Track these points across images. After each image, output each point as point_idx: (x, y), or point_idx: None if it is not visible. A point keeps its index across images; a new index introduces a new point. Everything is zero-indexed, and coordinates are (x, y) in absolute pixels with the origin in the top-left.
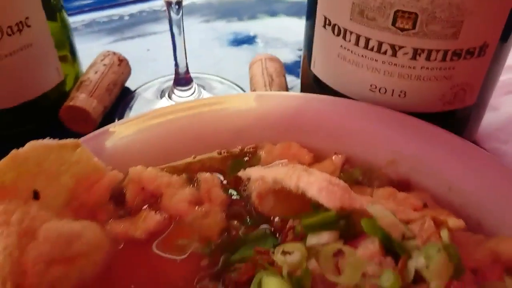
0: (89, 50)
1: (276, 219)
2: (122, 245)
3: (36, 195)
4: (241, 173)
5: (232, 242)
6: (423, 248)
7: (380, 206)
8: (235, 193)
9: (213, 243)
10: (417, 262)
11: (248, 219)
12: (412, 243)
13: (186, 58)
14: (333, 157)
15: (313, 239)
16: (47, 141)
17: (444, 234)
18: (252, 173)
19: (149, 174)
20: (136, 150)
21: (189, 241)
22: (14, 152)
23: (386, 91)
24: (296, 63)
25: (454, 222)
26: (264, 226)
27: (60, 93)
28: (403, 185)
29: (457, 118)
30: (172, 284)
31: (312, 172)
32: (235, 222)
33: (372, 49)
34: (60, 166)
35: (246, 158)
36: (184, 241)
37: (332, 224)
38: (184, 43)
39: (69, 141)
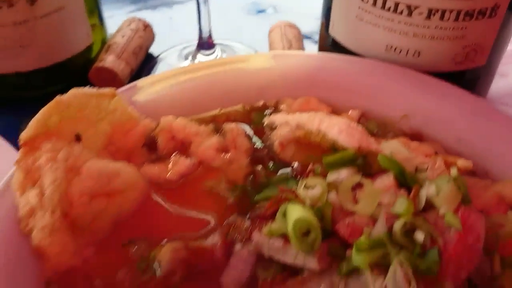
0: (114, 18)
1: (296, 164)
2: (155, 186)
3: (78, 138)
4: (266, 120)
5: (257, 184)
6: (434, 180)
7: (395, 142)
8: (258, 142)
9: (238, 185)
10: (428, 190)
11: (271, 165)
12: (424, 175)
13: (210, 23)
14: (350, 112)
15: (333, 176)
16: (88, 89)
17: (454, 170)
18: (277, 118)
19: (179, 124)
20: (165, 104)
21: (216, 183)
22: (58, 98)
23: (401, 51)
24: (313, 32)
25: (462, 162)
26: (285, 170)
27: (87, 57)
28: (416, 138)
29: (467, 79)
30: (202, 219)
31: (333, 117)
32: (259, 167)
33: (389, 10)
34: (99, 113)
35: (268, 111)
36: (211, 183)
37: (351, 162)
38: (209, 8)
39: (107, 90)
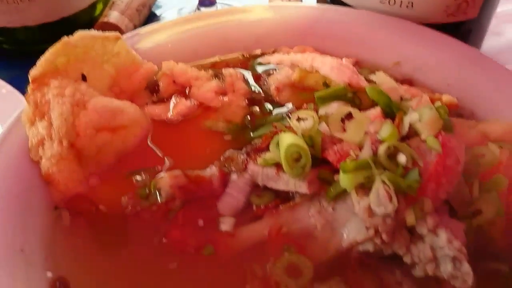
0: None
1: (291, 105)
2: (157, 125)
3: (84, 78)
4: (261, 59)
5: (253, 123)
6: (418, 108)
7: (381, 73)
8: (256, 87)
9: (236, 124)
10: (411, 117)
11: (267, 106)
12: (408, 104)
13: None
14: (343, 59)
15: (324, 109)
16: (93, 32)
17: (438, 103)
18: (272, 58)
19: (180, 68)
20: (166, 51)
21: (215, 123)
22: (65, 39)
23: (395, 2)
24: None
25: (447, 97)
26: (280, 110)
27: (92, 14)
28: (407, 84)
29: (460, 32)
30: (200, 154)
31: (326, 57)
32: (256, 108)
33: None
34: (104, 55)
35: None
36: (210, 123)
37: (341, 96)
38: None
39: (111, 33)
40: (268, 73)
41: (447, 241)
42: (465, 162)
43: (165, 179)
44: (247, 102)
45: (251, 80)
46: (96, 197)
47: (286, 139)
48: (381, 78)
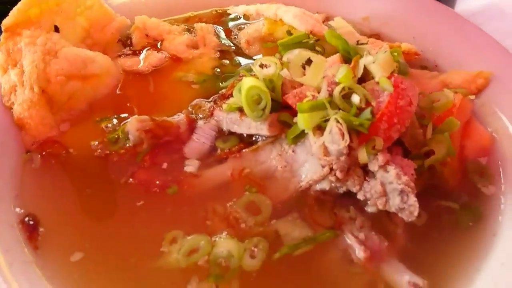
0: None
1: (260, 56)
2: (129, 75)
3: (56, 29)
4: (230, 10)
5: (222, 75)
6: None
7: (339, 18)
8: (227, 41)
9: (206, 74)
10: (366, 60)
11: (237, 59)
12: (364, 47)
13: None
14: (315, 15)
15: (287, 56)
16: None
17: (395, 49)
18: (238, 9)
19: (152, 22)
20: (138, 6)
21: (185, 74)
22: None
23: None
24: None
25: (406, 45)
26: (249, 62)
27: None
28: (374, 38)
29: None
30: (170, 103)
31: (290, 6)
32: (226, 61)
33: None
34: (76, 8)
35: (238, 15)
36: (180, 74)
37: (303, 44)
38: None
39: None
40: (239, 27)
41: (395, 176)
42: (421, 107)
43: (132, 122)
44: (218, 55)
45: (222, 34)
46: (66, 141)
47: (247, 82)
48: (338, 23)
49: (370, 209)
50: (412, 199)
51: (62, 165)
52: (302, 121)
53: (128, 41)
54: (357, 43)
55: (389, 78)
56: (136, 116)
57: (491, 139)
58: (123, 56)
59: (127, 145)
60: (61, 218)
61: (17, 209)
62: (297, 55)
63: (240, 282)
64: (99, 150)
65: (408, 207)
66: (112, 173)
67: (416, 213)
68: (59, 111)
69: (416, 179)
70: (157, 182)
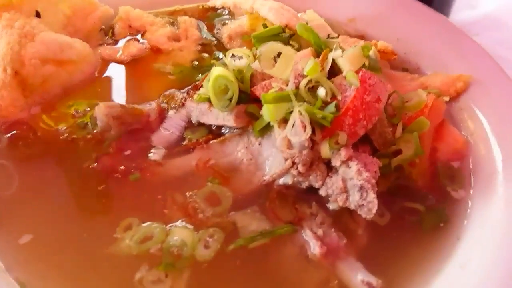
0: None
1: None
2: (107, 64)
3: (38, 14)
4: (210, 2)
5: (200, 68)
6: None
7: (311, 11)
8: (209, 35)
9: (183, 66)
10: (335, 53)
11: (217, 53)
12: (335, 41)
13: None
14: (300, 14)
15: (260, 48)
16: None
17: (366, 45)
18: (217, 0)
19: (136, 13)
20: None
21: (163, 65)
22: None
23: None
24: None
25: (383, 43)
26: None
27: None
28: (359, 39)
29: None
30: (144, 92)
31: (268, 0)
32: (206, 54)
33: None
34: None
35: (224, 11)
36: (159, 65)
37: (278, 37)
38: None
39: None
40: (224, 23)
41: (356, 172)
42: (393, 106)
43: (100, 107)
44: (199, 48)
45: (205, 28)
46: (35, 124)
47: (215, 71)
48: (310, 16)
49: (331, 205)
50: (371, 196)
51: (28, 147)
52: (267, 112)
53: (111, 31)
54: (328, 36)
55: (357, 73)
56: (105, 102)
57: (465, 143)
58: (104, 45)
59: (95, 131)
60: (17, 199)
61: None
62: (268, 47)
63: (191, 271)
64: (66, 134)
65: (366, 204)
66: (76, 157)
67: (374, 210)
68: (31, 94)
69: (383, 178)
70: (120, 168)
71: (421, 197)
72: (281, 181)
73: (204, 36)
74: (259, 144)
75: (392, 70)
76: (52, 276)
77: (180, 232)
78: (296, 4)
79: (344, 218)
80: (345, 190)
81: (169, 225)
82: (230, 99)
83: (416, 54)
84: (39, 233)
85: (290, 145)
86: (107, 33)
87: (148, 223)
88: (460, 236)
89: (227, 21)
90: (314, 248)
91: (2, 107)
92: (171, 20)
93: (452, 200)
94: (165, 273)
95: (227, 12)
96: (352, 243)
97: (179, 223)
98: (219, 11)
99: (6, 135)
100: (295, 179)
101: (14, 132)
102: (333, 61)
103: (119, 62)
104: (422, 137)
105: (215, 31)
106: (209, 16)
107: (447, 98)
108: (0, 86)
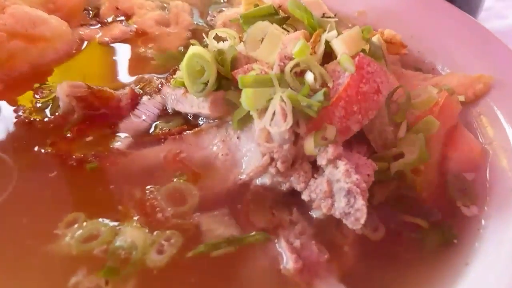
0: None
1: None
2: (85, 44)
3: None
4: None
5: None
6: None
7: None
8: (201, 20)
9: (168, 52)
10: (329, 34)
11: (207, 40)
12: (330, 21)
13: None
14: None
15: (249, 29)
16: None
17: (367, 28)
18: None
19: None
20: None
21: (146, 50)
22: None
23: None
24: None
25: (390, 32)
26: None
27: None
28: None
29: None
30: (121, 78)
31: None
32: (195, 41)
33: None
34: None
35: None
36: (141, 49)
37: (269, 18)
38: None
39: None
40: (220, 11)
41: (344, 173)
42: (397, 102)
43: (62, 86)
44: (189, 34)
45: (198, 15)
46: None
47: (190, 50)
48: None
49: (314, 213)
50: (360, 203)
51: None
52: (245, 98)
53: (96, 12)
54: (323, 16)
55: (353, 58)
56: (69, 80)
57: (482, 152)
58: (86, 26)
59: (57, 113)
60: None
61: None
62: (255, 26)
63: (137, 279)
64: (24, 115)
65: (354, 212)
66: (31, 140)
67: (362, 220)
68: None
69: (380, 186)
70: (76, 155)
71: (425, 211)
72: (258, 181)
73: (195, 23)
74: (238, 138)
75: (403, 68)
76: None
77: (131, 232)
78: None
79: (329, 230)
80: (330, 194)
81: (120, 225)
82: (206, 83)
83: (432, 53)
84: None
85: (269, 138)
86: (93, 14)
87: (94, 220)
88: (469, 260)
89: (223, 9)
90: (288, 262)
91: None
92: (163, 5)
93: (462, 217)
94: (105, 280)
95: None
96: (336, 259)
97: (132, 222)
98: None
99: None
100: (274, 179)
101: None
102: (329, 45)
103: (99, 43)
104: (429, 140)
105: (209, 18)
106: (205, 3)
107: (462, 98)
108: None
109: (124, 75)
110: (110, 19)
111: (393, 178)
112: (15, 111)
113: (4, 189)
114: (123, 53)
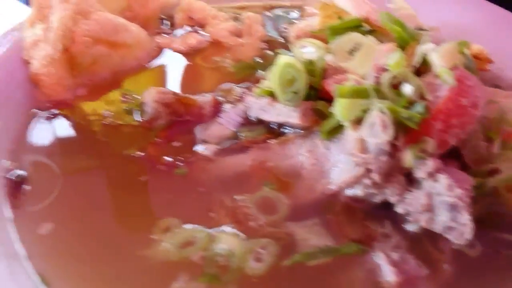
0: None
1: None
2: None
3: None
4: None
5: (262, 65)
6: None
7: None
8: (274, 32)
9: (244, 62)
10: (425, 47)
11: (281, 52)
12: (425, 34)
13: None
14: None
15: (336, 41)
16: None
17: (463, 42)
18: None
19: (199, 5)
20: None
21: (223, 59)
22: None
23: None
24: None
25: (477, 47)
26: None
27: None
28: None
29: None
30: (201, 84)
31: None
32: (269, 52)
33: None
34: None
35: (291, 11)
36: (218, 58)
37: (355, 29)
38: None
39: None
40: (291, 22)
41: (447, 187)
42: (488, 117)
43: (151, 92)
44: (263, 45)
45: (271, 26)
46: (79, 106)
47: (282, 59)
48: (398, 3)
49: (410, 227)
50: (466, 217)
51: (68, 129)
52: (340, 108)
53: (171, 21)
54: (417, 29)
55: (451, 70)
56: (157, 87)
57: None
58: (162, 34)
59: (143, 118)
60: (51, 183)
61: (7, 163)
62: (346, 37)
63: (237, 287)
64: (110, 119)
65: (459, 226)
66: (119, 144)
67: (468, 235)
68: (79, 74)
69: (474, 202)
70: (167, 160)
71: None
72: (349, 192)
73: (269, 34)
74: (326, 148)
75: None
76: (74, 273)
77: (227, 239)
78: None
79: (424, 244)
80: (430, 208)
81: (215, 231)
82: (297, 92)
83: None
84: (62, 223)
85: (364, 149)
86: (167, 22)
87: (190, 226)
88: None
89: (295, 21)
90: (388, 275)
91: (47, 84)
92: (235, 15)
93: None
94: (206, 286)
95: (295, 12)
96: (435, 275)
97: (226, 229)
98: (286, 10)
99: (47, 115)
100: (368, 190)
101: (56, 112)
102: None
103: (176, 52)
104: None
105: (281, 29)
106: (276, 14)
107: None
108: (48, 62)
109: (203, 84)
110: (184, 29)
111: (487, 195)
112: (101, 115)
113: (93, 192)
114: (199, 61)
